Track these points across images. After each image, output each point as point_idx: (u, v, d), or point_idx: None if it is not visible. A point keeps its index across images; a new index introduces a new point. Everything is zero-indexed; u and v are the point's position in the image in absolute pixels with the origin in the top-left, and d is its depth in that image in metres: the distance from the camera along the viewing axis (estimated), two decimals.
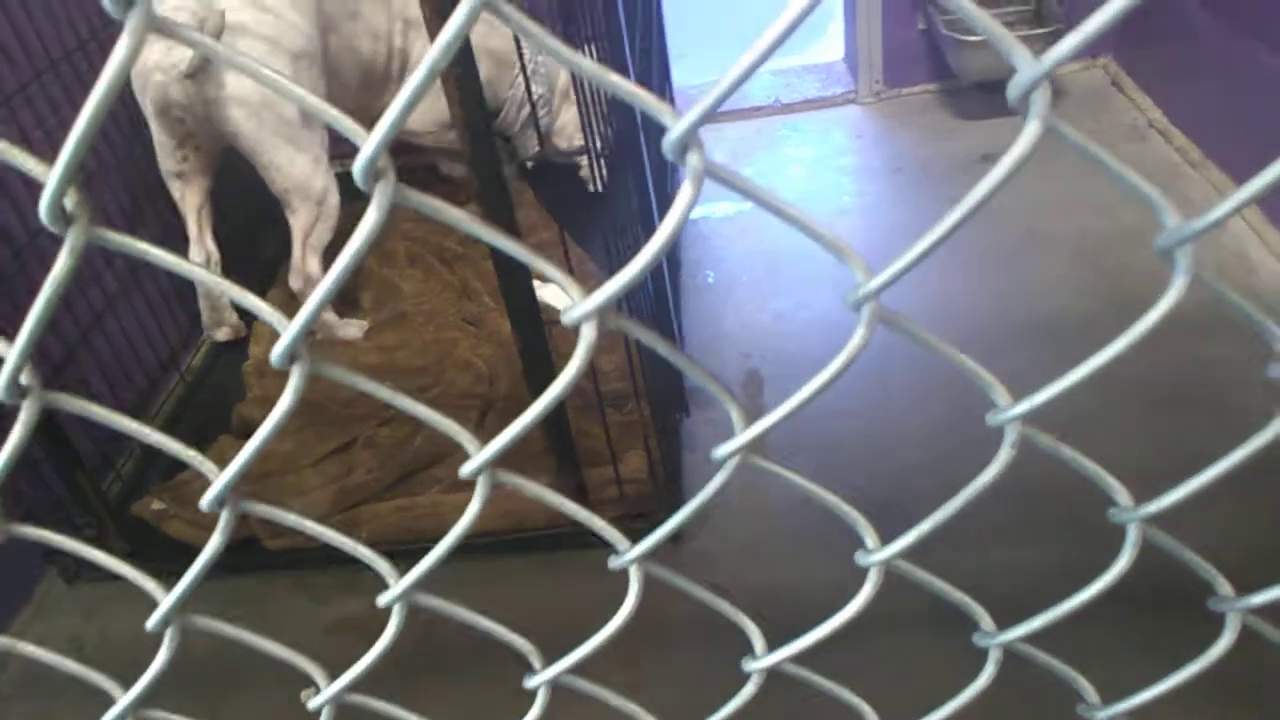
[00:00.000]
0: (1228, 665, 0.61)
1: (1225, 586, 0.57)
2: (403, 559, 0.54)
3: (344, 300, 2.62)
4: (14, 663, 1.92)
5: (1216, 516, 1.61)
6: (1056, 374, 0.47)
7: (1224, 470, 0.50)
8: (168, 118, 2.21)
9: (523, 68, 1.86)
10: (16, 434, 0.47)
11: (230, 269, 2.57)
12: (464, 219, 0.43)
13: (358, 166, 0.39)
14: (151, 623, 0.55)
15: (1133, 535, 0.52)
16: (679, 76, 3.11)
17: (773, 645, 0.59)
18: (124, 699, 0.61)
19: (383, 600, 0.55)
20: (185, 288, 2.60)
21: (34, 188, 0.40)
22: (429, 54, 0.37)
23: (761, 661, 0.59)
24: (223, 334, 2.59)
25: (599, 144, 1.76)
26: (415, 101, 0.38)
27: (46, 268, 0.42)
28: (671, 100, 3.03)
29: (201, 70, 2.10)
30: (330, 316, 2.49)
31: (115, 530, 2.02)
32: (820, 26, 3.71)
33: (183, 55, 2.08)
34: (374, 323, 2.53)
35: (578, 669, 0.59)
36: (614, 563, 0.54)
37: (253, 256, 2.81)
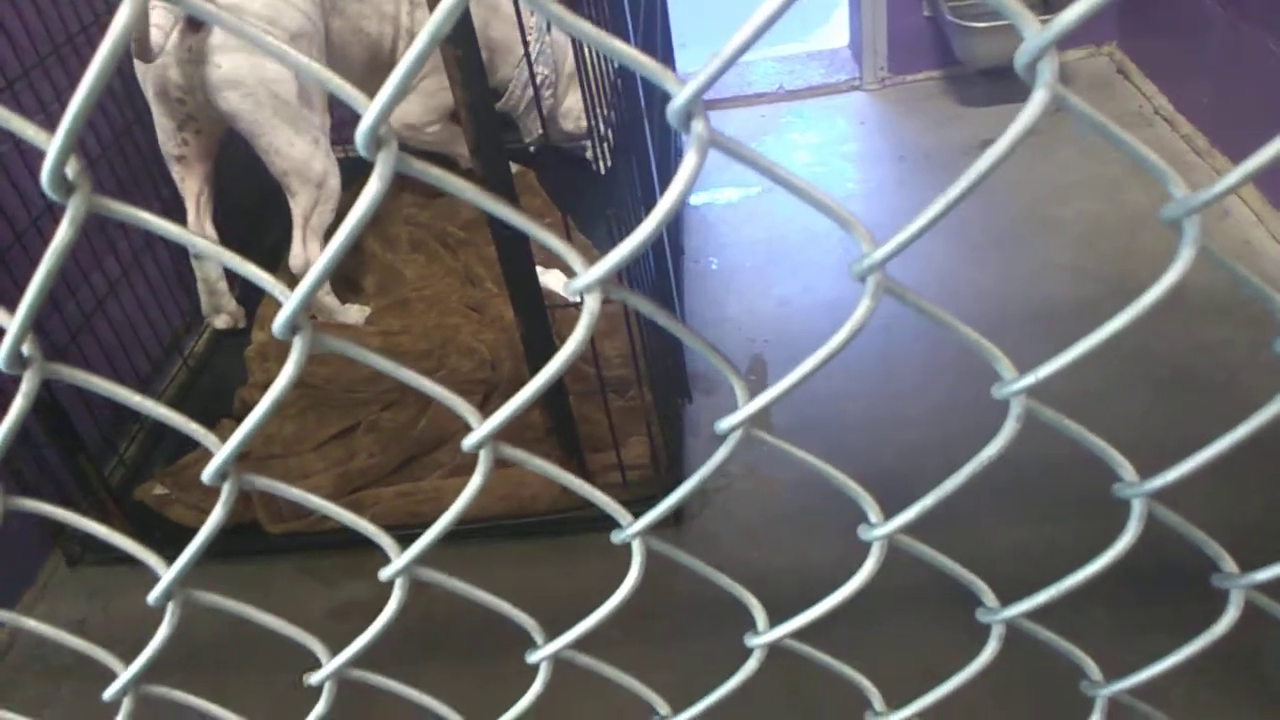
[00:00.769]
0: (1229, 643, 0.61)
1: (1229, 563, 0.57)
2: (405, 544, 0.54)
3: (346, 285, 2.62)
4: (17, 646, 1.93)
5: (1206, 494, 1.61)
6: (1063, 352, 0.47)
7: (1229, 446, 0.50)
8: (167, 100, 2.20)
9: (525, 43, 1.85)
10: (17, 405, 0.47)
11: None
12: (467, 188, 0.43)
13: (361, 134, 0.39)
14: (153, 596, 0.55)
15: (1137, 510, 0.52)
16: (681, 65, 3.10)
17: (776, 623, 0.59)
18: (125, 674, 0.61)
19: (385, 574, 0.55)
20: (188, 273, 2.59)
21: (34, 170, 0.40)
22: (430, 19, 0.37)
23: (764, 637, 0.59)
24: (221, 321, 2.59)
25: (602, 126, 1.75)
26: (417, 68, 0.38)
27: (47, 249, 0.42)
28: None
29: (197, 40, 2.09)
30: (331, 301, 2.48)
31: (118, 515, 2.02)
32: (825, 14, 3.70)
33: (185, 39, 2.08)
34: (376, 308, 2.53)
35: (580, 644, 0.59)
36: (616, 537, 0.54)
37: (254, 244, 2.80)
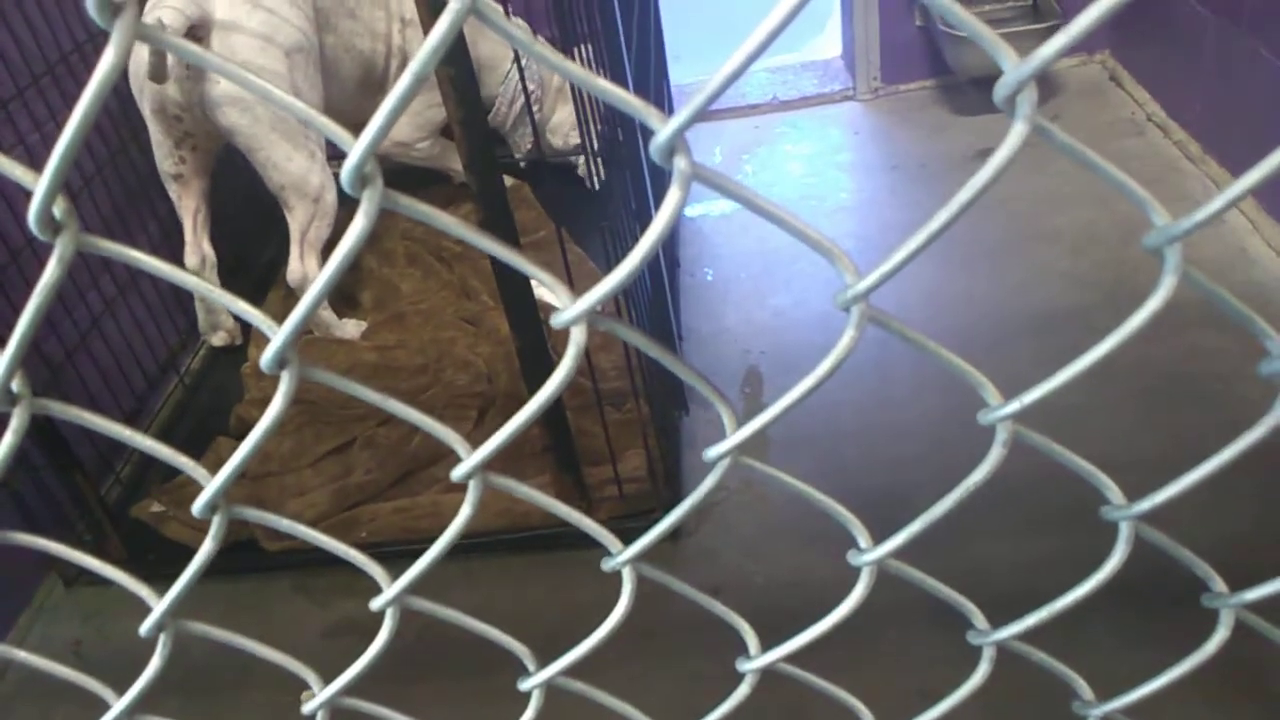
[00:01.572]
0: (1225, 660, 0.61)
1: (1219, 583, 0.57)
2: (403, 559, 0.54)
3: (343, 300, 2.62)
4: (14, 668, 1.93)
5: (1196, 508, 1.61)
6: (1055, 367, 0.47)
7: (1217, 467, 0.50)
8: (165, 117, 2.21)
9: (519, 64, 1.86)
10: (7, 441, 0.47)
11: (229, 271, 2.57)
12: (454, 224, 0.43)
13: (346, 172, 0.39)
14: (145, 628, 0.55)
15: (1124, 533, 0.52)
16: (675, 77, 3.10)
17: (774, 641, 0.59)
18: (117, 706, 0.61)
19: (376, 604, 0.55)
20: (183, 291, 2.60)
21: (28, 192, 0.40)
22: (415, 59, 0.37)
23: (755, 662, 0.59)
24: (219, 339, 2.59)
25: (594, 142, 1.76)
26: (403, 106, 0.38)
27: (43, 269, 0.42)
28: (670, 98, 3.03)
29: (195, 71, 2.10)
30: (328, 315, 2.49)
31: (114, 533, 2.02)
32: (818, 24, 3.71)
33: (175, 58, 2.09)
34: (372, 322, 2.53)
35: (573, 670, 0.59)
36: (606, 564, 0.54)
37: (252, 259, 2.81)
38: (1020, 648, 0.60)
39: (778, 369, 2.28)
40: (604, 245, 1.76)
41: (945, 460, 1.84)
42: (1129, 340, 0.45)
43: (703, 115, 0.38)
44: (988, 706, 1.54)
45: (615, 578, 0.56)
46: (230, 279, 2.60)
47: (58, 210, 0.41)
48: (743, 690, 0.60)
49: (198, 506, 0.49)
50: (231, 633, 0.60)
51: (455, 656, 1.76)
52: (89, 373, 2.19)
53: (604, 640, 0.56)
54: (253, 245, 2.82)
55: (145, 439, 0.48)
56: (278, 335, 0.43)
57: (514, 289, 1.70)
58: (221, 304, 0.46)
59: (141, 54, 2.06)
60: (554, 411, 1.83)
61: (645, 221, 1.85)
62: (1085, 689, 0.62)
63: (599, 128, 1.81)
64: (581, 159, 2.87)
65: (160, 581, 0.56)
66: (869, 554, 0.53)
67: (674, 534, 1.90)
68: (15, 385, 0.46)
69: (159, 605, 0.54)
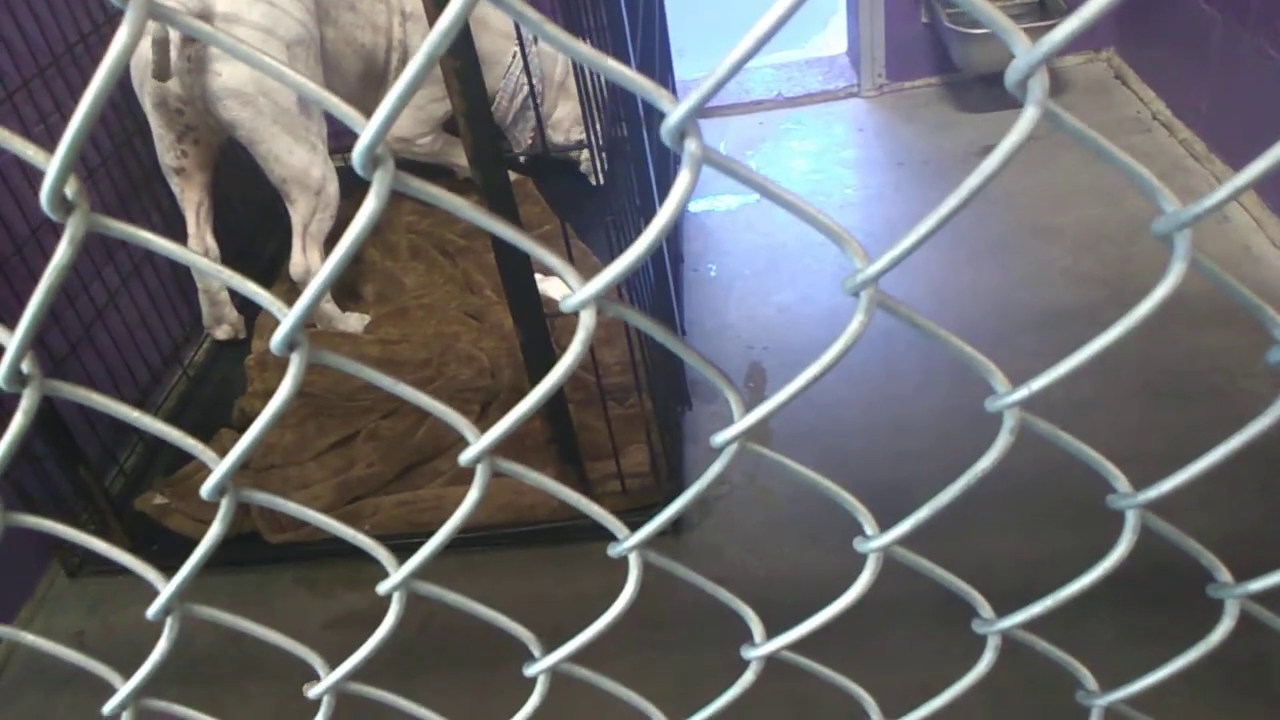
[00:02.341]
0: (1232, 651, 0.61)
1: (1224, 573, 0.57)
2: (405, 553, 0.54)
3: (346, 293, 2.62)
4: (16, 658, 1.93)
5: (1202, 500, 1.61)
6: (1059, 362, 0.47)
7: (1221, 457, 0.50)
8: (166, 110, 2.21)
9: (524, 54, 1.85)
10: (17, 422, 0.47)
11: (232, 265, 2.56)
12: (465, 206, 0.43)
13: (357, 154, 0.39)
14: (152, 611, 0.55)
15: (1131, 521, 0.52)
16: (680, 73, 3.10)
17: (776, 634, 0.59)
18: (124, 688, 0.61)
19: (382, 588, 0.55)
20: (187, 283, 2.60)
21: (34, 182, 0.41)
22: (427, 41, 0.37)
23: (760, 649, 0.59)
24: (222, 332, 2.59)
25: (599, 138, 1.76)
26: (415, 88, 0.38)
27: (49, 261, 0.42)
28: (674, 92, 3.02)
29: (195, 50, 2.10)
30: (331, 309, 2.49)
31: (118, 525, 2.03)
32: (823, 20, 3.71)
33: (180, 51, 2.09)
34: (376, 316, 2.53)
35: (578, 657, 0.59)
36: (613, 550, 0.54)
37: (255, 253, 2.81)
38: (1025, 637, 0.60)
39: (781, 365, 2.28)
40: (608, 240, 1.76)
41: (949, 455, 1.85)
42: (1136, 331, 0.45)
43: (707, 110, 0.38)
44: (992, 699, 1.54)
45: (619, 571, 0.56)
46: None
47: (70, 190, 0.41)
48: (748, 677, 0.60)
49: (207, 488, 0.49)
50: (239, 619, 0.60)
51: (457, 649, 1.76)
52: (93, 365, 2.19)
53: (609, 626, 0.56)
54: (255, 239, 2.82)
55: (155, 421, 0.49)
56: (288, 317, 0.43)
57: (518, 283, 1.70)
58: (231, 284, 0.46)
59: (145, 52, 2.07)
60: (556, 405, 1.83)
61: (650, 216, 1.85)
62: (1089, 679, 0.62)
63: (601, 122, 1.81)
64: (584, 155, 2.87)
65: (164, 574, 0.56)
66: (876, 540, 0.53)
67: (677, 528, 1.91)
68: (26, 366, 0.46)
69: (167, 588, 0.54)
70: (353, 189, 2.46)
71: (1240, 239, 2.36)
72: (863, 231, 2.67)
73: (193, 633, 0.54)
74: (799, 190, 2.89)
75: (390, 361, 2.36)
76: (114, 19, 2.37)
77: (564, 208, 2.74)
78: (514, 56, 2.71)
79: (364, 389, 2.22)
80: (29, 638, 0.61)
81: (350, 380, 2.23)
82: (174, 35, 2.04)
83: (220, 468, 0.48)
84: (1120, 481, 0.52)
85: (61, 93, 2.19)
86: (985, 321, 2.27)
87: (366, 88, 2.53)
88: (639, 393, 2.01)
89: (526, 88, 2.74)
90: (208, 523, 0.51)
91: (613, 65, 0.39)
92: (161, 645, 0.57)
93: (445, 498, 2.01)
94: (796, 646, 0.59)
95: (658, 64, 2.59)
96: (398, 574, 0.54)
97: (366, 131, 0.39)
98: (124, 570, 0.56)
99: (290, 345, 0.44)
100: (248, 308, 2.62)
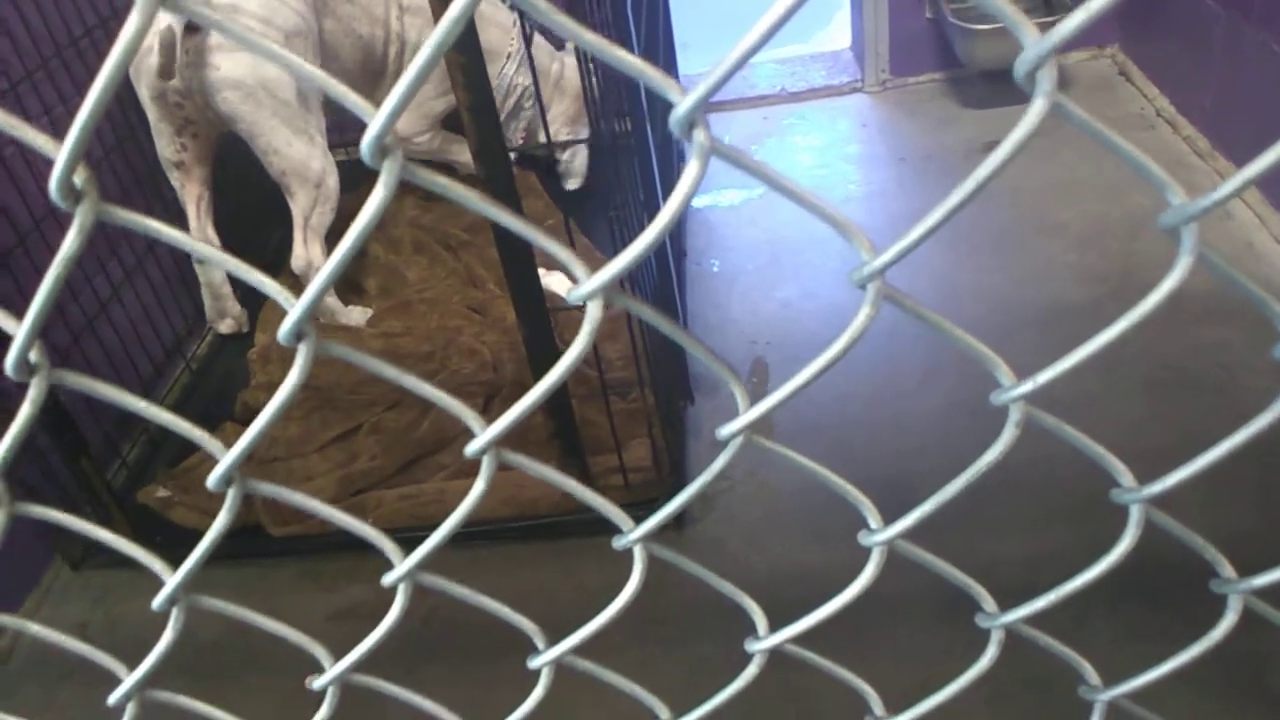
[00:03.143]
0: (1233, 648, 0.61)
1: (1228, 568, 0.57)
2: (407, 547, 0.54)
3: (349, 287, 2.62)
4: (21, 648, 1.93)
5: (1204, 497, 1.61)
6: (1062, 357, 0.47)
7: (1226, 451, 0.50)
8: (165, 104, 2.21)
9: (528, 49, 1.85)
10: (24, 411, 0.47)
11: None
12: (473, 196, 0.43)
13: (366, 143, 0.39)
14: (157, 601, 0.56)
15: (1135, 516, 0.52)
16: (684, 67, 3.10)
17: (777, 628, 0.59)
18: (129, 679, 0.61)
19: (387, 580, 0.55)
20: (191, 277, 2.60)
21: (38, 173, 0.41)
22: (436, 30, 0.37)
23: (764, 642, 0.59)
24: (225, 326, 2.60)
25: (600, 128, 1.76)
26: (424, 78, 0.38)
27: (52, 253, 0.42)
28: None
29: (194, 42, 2.10)
30: (334, 303, 2.49)
31: (121, 518, 2.03)
32: (827, 16, 3.70)
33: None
34: (378, 309, 2.53)
35: (581, 650, 0.60)
36: (618, 543, 0.54)
37: (256, 249, 2.81)
38: (1028, 631, 0.60)
39: (784, 360, 2.28)
40: (611, 235, 1.76)
41: (953, 451, 1.84)
42: (1141, 329, 0.45)
43: (712, 104, 0.38)
44: (993, 695, 1.54)
45: (621, 565, 0.56)
46: None
47: (79, 178, 0.41)
48: (751, 670, 0.60)
49: (213, 479, 0.49)
50: (244, 610, 0.60)
51: (461, 642, 1.77)
52: (96, 358, 2.19)
53: (614, 618, 0.56)
54: (257, 233, 2.82)
55: (162, 411, 0.49)
56: (296, 307, 0.43)
57: (520, 277, 1.70)
58: (238, 273, 0.46)
59: (150, 50, 2.06)
60: (559, 399, 1.83)
61: (653, 212, 1.85)
62: (1092, 673, 0.63)
63: (596, 120, 1.81)
64: (565, 153, 2.86)
65: (167, 566, 0.56)
66: (880, 534, 0.53)
67: (679, 522, 1.91)
68: (33, 355, 0.46)
69: (173, 578, 0.54)
70: (358, 184, 2.46)
71: (1243, 236, 2.36)
72: (866, 226, 2.58)
73: (196, 626, 0.55)
74: (802, 185, 2.89)
75: (392, 355, 2.36)
76: (120, 13, 2.37)
77: (567, 202, 2.74)
78: (508, 57, 2.71)
79: (368, 382, 2.23)
80: (35, 627, 0.61)
81: (354, 373, 2.23)
82: (177, 31, 2.04)
83: (227, 458, 0.48)
84: (1125, 476, 0.52)
85: (66, 87, 2.19)
86: (988, 317, 2.27)
87: (365, 80, 2.53)
88: (641, 387, 2.01)
89: (519, 87, 2.74)
90: (212, 515, 0.51)
91: (622, 55, 0.39)
92: (167, 636, 0.57)
93: (448, 491, 2.01)
94: (799, 640, 0.59)
95: (662, 58, 2.59)
96: (403, 565, 0.54)
97: (375, 121, 0.39)
98: (127, 563, 0.56)
99: (298, 336, 0.44)
100: (250, 301, 2.62)
